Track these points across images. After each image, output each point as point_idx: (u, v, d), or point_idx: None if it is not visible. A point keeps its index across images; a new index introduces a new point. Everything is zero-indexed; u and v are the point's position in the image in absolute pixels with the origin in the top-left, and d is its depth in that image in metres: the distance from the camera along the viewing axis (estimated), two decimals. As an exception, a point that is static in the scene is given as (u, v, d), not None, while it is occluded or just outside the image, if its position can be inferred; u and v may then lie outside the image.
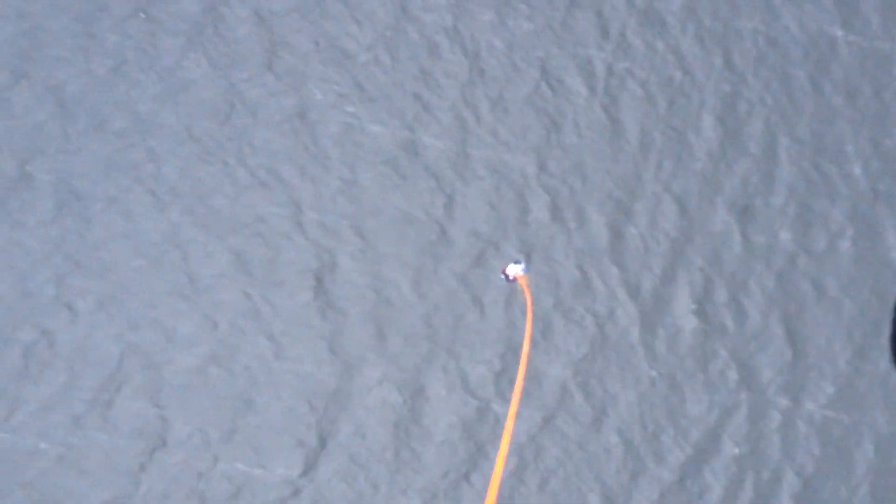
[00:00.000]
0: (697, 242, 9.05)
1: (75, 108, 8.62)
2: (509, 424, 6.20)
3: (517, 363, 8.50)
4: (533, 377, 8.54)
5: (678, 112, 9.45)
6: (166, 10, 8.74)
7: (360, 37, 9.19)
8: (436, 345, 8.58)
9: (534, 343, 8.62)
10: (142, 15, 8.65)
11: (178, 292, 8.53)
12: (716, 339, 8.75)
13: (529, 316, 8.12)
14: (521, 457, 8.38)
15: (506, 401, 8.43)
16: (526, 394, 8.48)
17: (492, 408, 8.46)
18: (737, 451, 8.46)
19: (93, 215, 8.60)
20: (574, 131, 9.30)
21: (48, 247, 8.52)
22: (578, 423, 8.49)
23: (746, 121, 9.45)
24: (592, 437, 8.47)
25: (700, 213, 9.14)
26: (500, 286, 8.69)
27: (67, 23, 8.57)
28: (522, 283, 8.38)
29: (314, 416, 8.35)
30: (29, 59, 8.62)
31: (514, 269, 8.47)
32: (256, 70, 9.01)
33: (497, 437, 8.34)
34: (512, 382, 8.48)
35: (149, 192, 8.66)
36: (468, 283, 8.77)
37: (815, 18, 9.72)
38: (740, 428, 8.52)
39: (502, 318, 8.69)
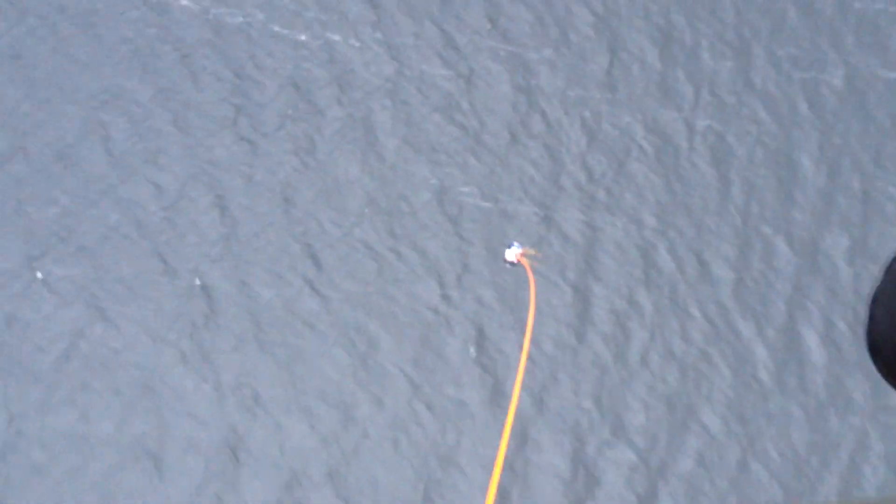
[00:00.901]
0: (811, 277, 9.63)
1: (239, 216, 9.06)
2: (516, 392, 6.79)
3: (671, 415, 9.08)
4: (682, 423, 9.10)
5: (774, 157, 10.02)
6: (315, 117, 9.20)
7: (490, 125, 9.69)
8: (591, 402, 9.13)
9: (677, 393, 9.18)
10: (289, 112, 9.07)
11: (350, 376, 9.03)
12: (843, 368, 9.33)
13: (533, 293, 8.72)
14: (675, 500, 8.95)
15: (658, 452, 9.00)
16: (676, 439, 9.05)
17: (649, 460, 9.02)
18: (877, 471, 9.06)
19: (267, 318, 9.06)
20: (681, 184, 9.84)
21: (230, 347, 8.99)
22: (726, 463, 9.06)
23: (838, 159, 10.03)
24: (743, 474, 9.04)
25: (811, 249, 9.71)
26: (641, 340, 9.24)
27: (226, 136, 9.02)
28: (525, 263, 8.99)
29: (484, 481, 8.87)
30: (193, 175, 9.05)
31: (512, 253, 9.09)
32: (399, 163, 9.47)
33: (657, 487, 8.91)
34: (667, 434, 9.05)
35: (312, 288, 9.14)
36: (609, 340, 9.31)
37: (887, 65, 10.33)
38: (877, 450, 9.11)
39: (646, 370, 9.24)
